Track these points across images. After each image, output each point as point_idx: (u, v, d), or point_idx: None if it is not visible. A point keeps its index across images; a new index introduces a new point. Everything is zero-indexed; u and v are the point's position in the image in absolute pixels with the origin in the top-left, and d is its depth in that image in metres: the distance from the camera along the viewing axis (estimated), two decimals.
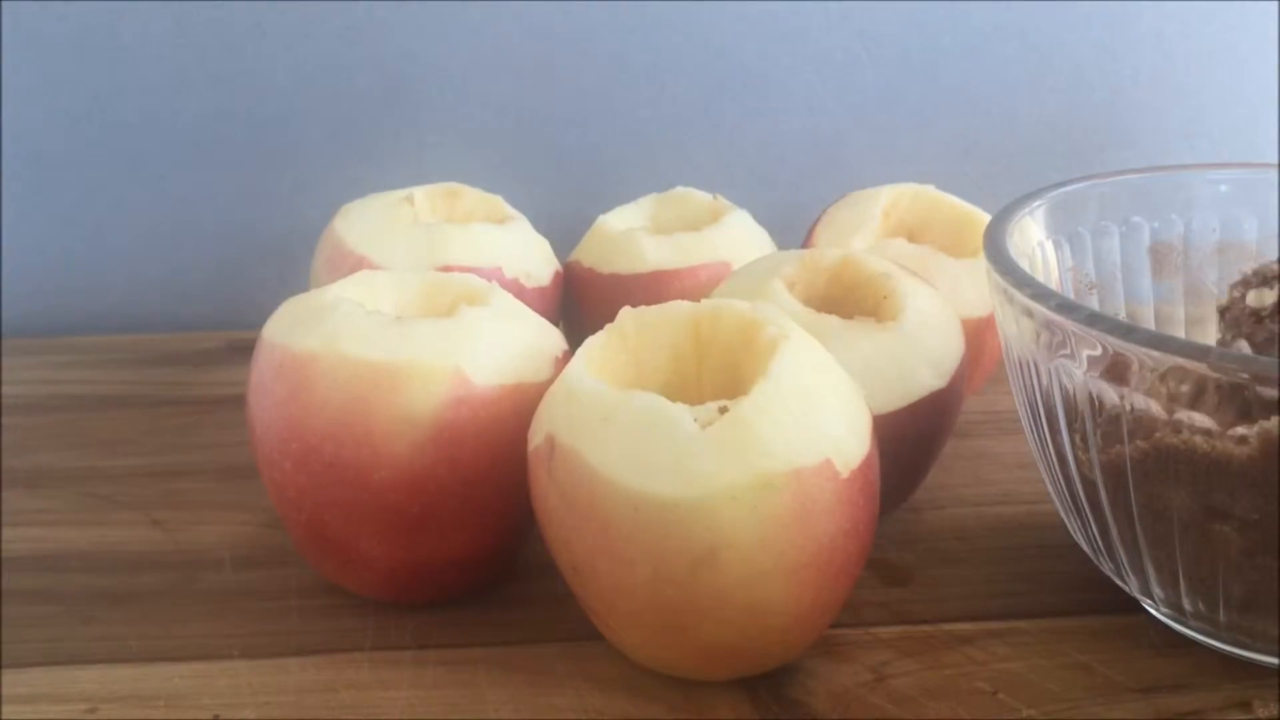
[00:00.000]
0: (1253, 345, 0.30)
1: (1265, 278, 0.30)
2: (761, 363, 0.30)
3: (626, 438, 0.28)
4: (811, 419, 0.29)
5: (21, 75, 0.56)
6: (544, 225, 0.49)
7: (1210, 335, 0.42)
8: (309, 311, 0.35)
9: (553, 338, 0.37)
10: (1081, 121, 0.61)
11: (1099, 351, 0.30)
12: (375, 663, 0.34)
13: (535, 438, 0.31)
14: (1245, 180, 0.41)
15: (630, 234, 0.47)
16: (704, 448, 0.28)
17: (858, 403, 0.31)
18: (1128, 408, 0.30)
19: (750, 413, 0.28)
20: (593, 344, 0.32)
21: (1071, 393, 0.32)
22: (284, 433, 0.33)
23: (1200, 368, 0.28)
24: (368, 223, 0.46)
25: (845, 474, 0.29)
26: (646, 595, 0.29)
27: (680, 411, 0.28)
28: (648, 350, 0.33)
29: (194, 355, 0.56)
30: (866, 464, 0.30)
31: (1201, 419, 0.29)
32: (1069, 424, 0.33)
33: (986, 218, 0.40)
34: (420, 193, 0.48)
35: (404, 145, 0.59)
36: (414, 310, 0.38)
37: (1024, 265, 0.34)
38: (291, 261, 0.51)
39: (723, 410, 0.28)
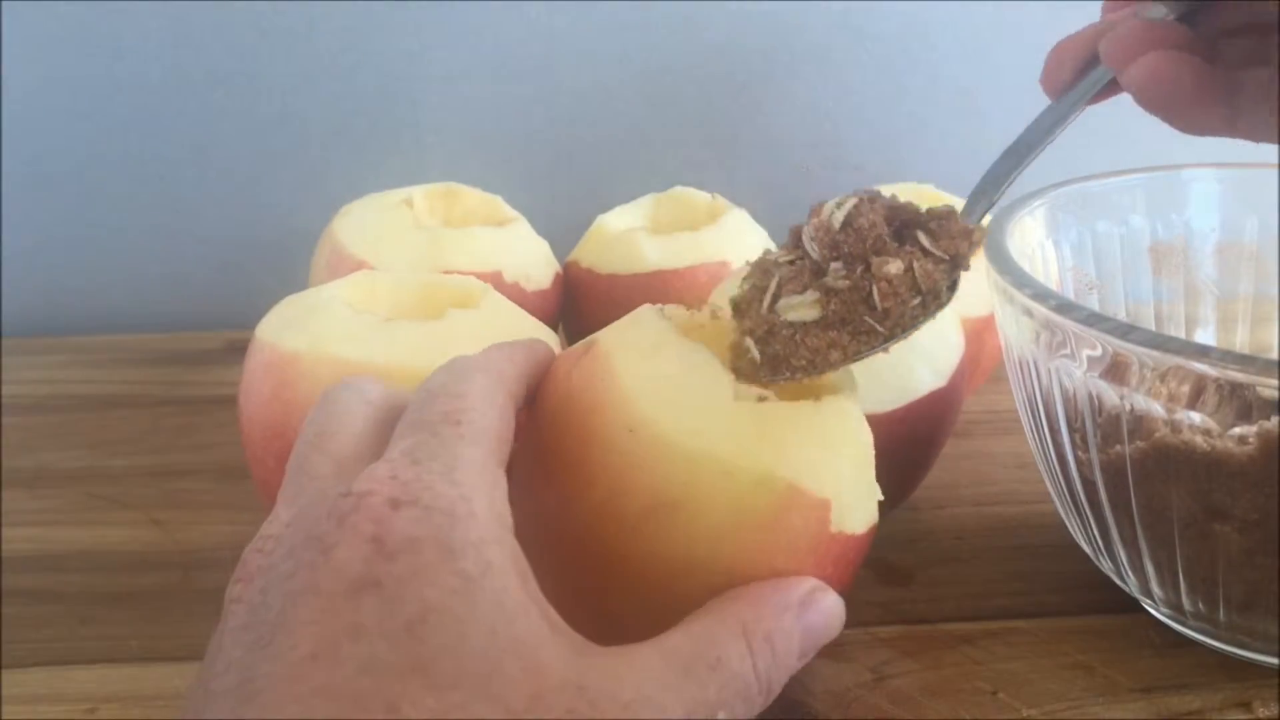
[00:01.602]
0: (764, 350, 0.28)
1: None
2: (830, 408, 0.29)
3: (663, 370, 0.28)
4: (834, 461, 0.28)
5: (21, 75, 0.56)
6: (543, 225, 0.49)
7: (1211, 335, 0.42)
8: (299, 311, 0.35)
9: (547, 340, 0.37)
10: (1081, 121, 0.61)
11: (1099, 351, 0.30)
12: None
13: (580, 346, 0.30)
14: (1245, 180, 0.41)
15: (629, 234, 0.47)
16: (726, 416, 0.27)
17: (874, 498, 0.30)
18: (1128, 408, 0.30)
19: (785, 416, 0.27)
20: (680, 310, 0.31)
21: (1071, 393, 0.32)
22: (268, 431, 0.33)
23: (1200, 368, 0.28)
24: (367, 226, 0.46)
25: (833, 529, 0.28)
26: (585, 525, 0.28)
27: (726, 378, 0.28)
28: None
29: (194, 355, 0.56)
30: (850, 541, 0.28)
31: (1201, 419, 0.29)
32: (1069, 424, 0.33)
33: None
34: (419, 193, 0.48)
35: (403, 145, 0.59)
36: (410, 312, 0.38)
37: (1024, 265, 0.34)
38: (291, 261, 0.51)
39: (761, 399, 0.28)
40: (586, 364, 0.28)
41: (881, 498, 0.30)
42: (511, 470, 0.27)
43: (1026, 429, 0.36)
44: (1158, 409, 0.30)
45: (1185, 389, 0.29)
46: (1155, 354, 0.28)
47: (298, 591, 0.22)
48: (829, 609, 0.27)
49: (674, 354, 0.28)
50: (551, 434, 0.29)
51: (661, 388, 0.27)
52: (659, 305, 0.30)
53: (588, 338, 0.30)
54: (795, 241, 0.29)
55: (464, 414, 0.25)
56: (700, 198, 0.51)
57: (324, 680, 0.20)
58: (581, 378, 0.28)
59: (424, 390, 0.26)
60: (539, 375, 0.29)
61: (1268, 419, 0.29)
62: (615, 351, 0.28)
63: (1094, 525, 0.34)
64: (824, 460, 0.28)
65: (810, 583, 0.27)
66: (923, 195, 0.49)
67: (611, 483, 0.27)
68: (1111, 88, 0.33)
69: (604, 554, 0.28)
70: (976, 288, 0.43)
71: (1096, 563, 0.36)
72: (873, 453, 0.30)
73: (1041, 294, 0.31)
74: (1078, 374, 0.31)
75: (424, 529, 0.22)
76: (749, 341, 0.29)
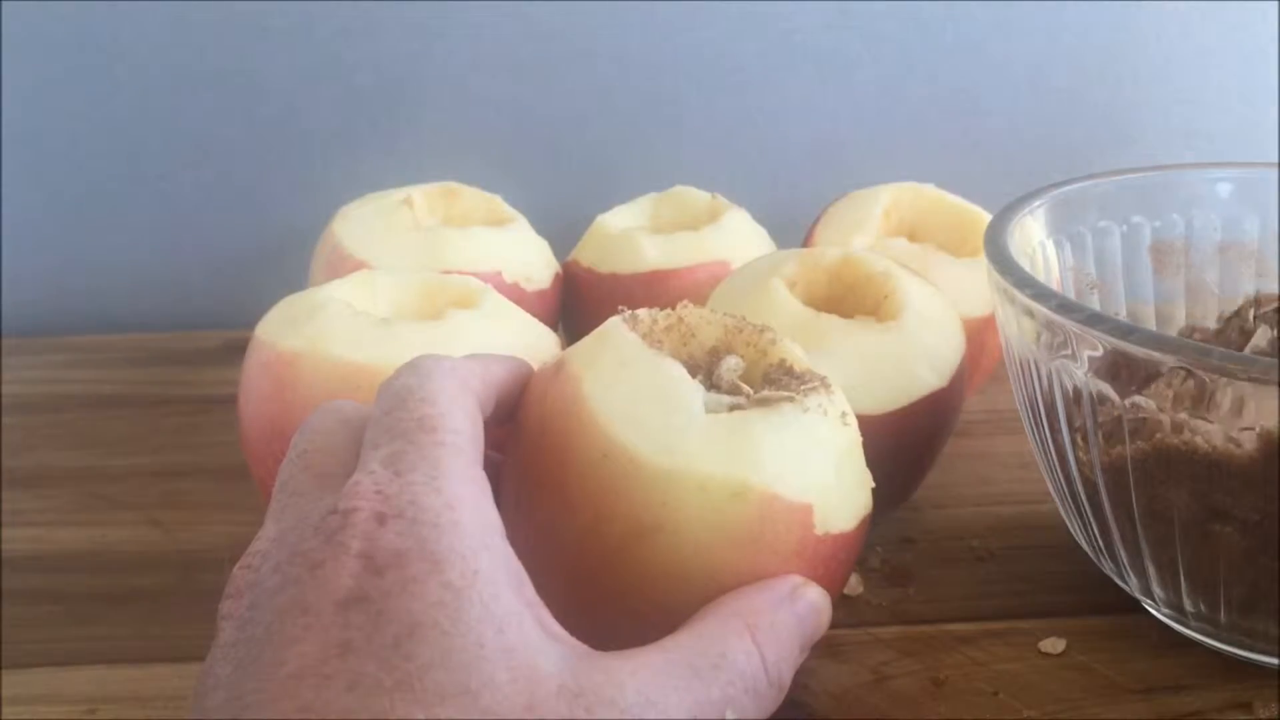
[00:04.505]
0: None
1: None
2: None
3: (630, 388, 0.28)
4: (812, 463, 0.28)
5: (21, 75, 0.56)
6: (543, 224, 0.49)
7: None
8: (298, 311, 0.35)
9: (545, 340, 0.37)
10: (1081, 121, 0.61)
11: (1100, 352, 0.30)
12: None
13: (551, 365, 0.30)
14: (1245, 180, 0.41)
15: (629, 233, 0.47)
16: (697, 430, 0.27)
17: (865, 490, 0.30)
18: (1129, 408, 0.30)
19: (758, 422, 0.27)
20: (647, 313, 0.31)
21: (1072, 393, 0.32)
22: (267, 431, 0.33)
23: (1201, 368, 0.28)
24: (367, 227, 0.46)
25: (818, 531, 0.28)
26: (572, 549, 0.28)
27: (693, 389, 0.28)
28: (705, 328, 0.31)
29: (193, 355, 0.56)
30: (840, 540, 0.28)
31: (1202, 420, 0.29)
32: (1070, 424, 0.33)
33: (987, 217, 0.40)
34: (418, 193, 0.48)
35: (403, 145, 0.59)
36: (410, 311, 0.38)
37: (1025, 265, 0.33)
38: (291, 261, 0.51)
39: (732, 409, 0.28)
40: (557, 388, 0.29)
41: (873, 485, 0.30)
42: (499, 489, 0.27)
43: (1027, 429, 0.36)
44: (1159, 409, 0.30)
45: (1186, 389, 0.29)
46: (1156, 354, 0.28)
47: (285, 608, 0.22)
48: (815, 601, 0.27)
49: (642, 369, 0.28)
50: (533, 457, 0.29)
51: (630, 408, 0.27)
52: (628, 312, 0.30)
53: (558, 355, 0.30)
54: None
55: (437, 419, 0.25)
56: (700, 197, 0.51)
57: (310, 698, 0.20)
58: (554, 402, 0.28)
59: (390, 393, 0.26)
60: (515, 391, 0.29)
61: (1269, 419, 0.29)
62: (584, 373, 0.28)
63: (1095, 526, 0.34)
64: (801, 463, 0.27)
65: (794, 578, 0.27)
66: (923, 195, 0.49)
67: (592, 510, 0.27)
68: None
69: (593, 575, 0.28)
70: (977, 288, 0.43)
71: (1097, 563, 0.36)
72: (859, 447, 0.29)
73: (1042, 294, 0.31)
74: (1079, 374, 0.31)
75: (410, 541, 0.22)
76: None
